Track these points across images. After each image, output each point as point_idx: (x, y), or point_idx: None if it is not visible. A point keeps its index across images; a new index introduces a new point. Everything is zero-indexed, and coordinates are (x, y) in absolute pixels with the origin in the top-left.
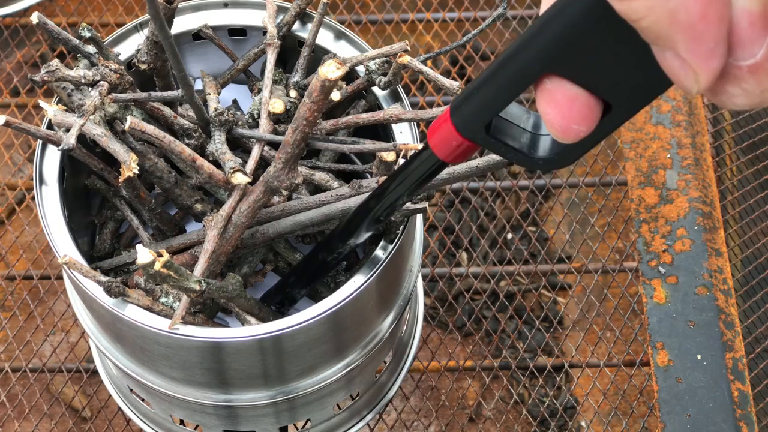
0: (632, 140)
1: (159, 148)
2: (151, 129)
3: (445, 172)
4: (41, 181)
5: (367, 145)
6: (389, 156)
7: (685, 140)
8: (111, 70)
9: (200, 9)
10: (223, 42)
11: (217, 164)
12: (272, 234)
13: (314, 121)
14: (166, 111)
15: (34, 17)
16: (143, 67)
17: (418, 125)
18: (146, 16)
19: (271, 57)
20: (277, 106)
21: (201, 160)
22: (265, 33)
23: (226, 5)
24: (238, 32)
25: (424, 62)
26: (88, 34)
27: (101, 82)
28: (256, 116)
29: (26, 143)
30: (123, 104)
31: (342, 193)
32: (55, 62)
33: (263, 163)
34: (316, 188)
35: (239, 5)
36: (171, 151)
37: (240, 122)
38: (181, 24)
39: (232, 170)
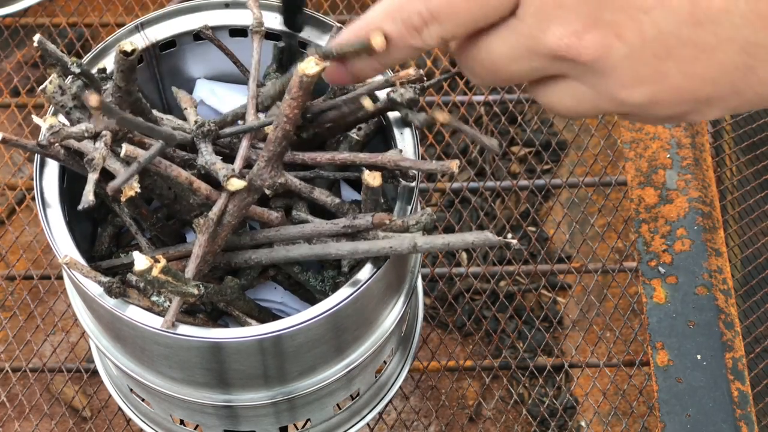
0: (632, 140)
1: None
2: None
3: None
4: (41, 183)
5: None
6: (375, 181)
7: (684, 140)
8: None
9: (201, 9)
10: (225, 42)
11: (206, 178)
12: (265, 262)
13: (296, 119)
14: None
15: (36, 40)
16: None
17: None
18: (146, 17)
19: (256, 46)
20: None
21: (198, 183)
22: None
23: (227, 5)
24: (238, 33)
25: (442, 81)
26: (77, 70)
27: (103, 132)
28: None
29: None
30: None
31: (336, 230)
32: (57, 123)
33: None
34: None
35: (240, 6)
36: (167, 176)
37: (223, 128)
38: (182, 24)
39: (226, 177)
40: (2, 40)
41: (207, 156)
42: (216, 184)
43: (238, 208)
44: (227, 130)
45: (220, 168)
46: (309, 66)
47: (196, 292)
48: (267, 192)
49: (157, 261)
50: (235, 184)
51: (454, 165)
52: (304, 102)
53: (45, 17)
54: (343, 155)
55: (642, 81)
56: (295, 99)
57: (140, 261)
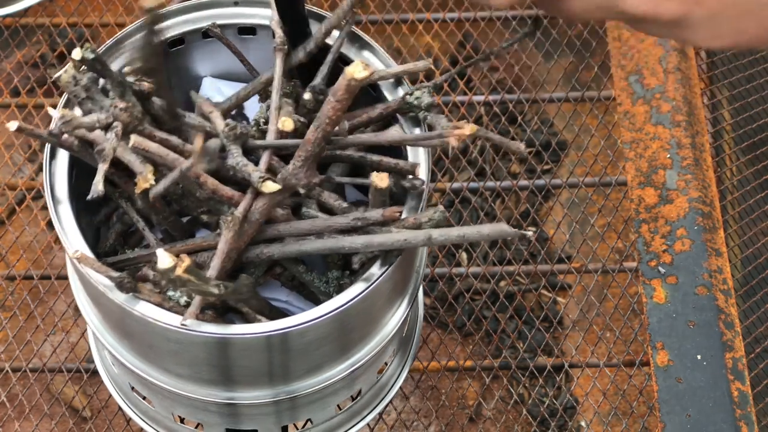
0: (632, 140)
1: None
2: (154, 147)
3: None
4: (51, 179)
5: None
6: (382, 182)
7: (684, 140)
8: (121, 109)
9: (210, 6)
10: (233, 40)
11: (224, 180)
12: (277, 256)
13: (337, 121)
14: (174, 140)
15: (84, 49)
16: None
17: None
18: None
19: (279, 62)
20: (288, 124)
21: (205, 176)
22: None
23: (236, 3)
24: (247, 30)
25: (449, 78)
26: (91, 56)
27: (115, 123)
28: (262, 124)
29: (26, 143)
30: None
31: (346, 223)
32: (69, 113)
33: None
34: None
35: (250, 3)
36: (174, 168)
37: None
38: (191, 21)
39: (261, 179)
40: (2, 40)
41: (238, 158)
42: (229, 182)
43: (267, 206)
44: (256, 142)
45: (252, 170)
46: (357, 70)
47: (216, 291)
48: (301, 191)
49: (181, 260)
50: (270, 187)
51: (460, 135)
52: (347, 105)
53: (45, 17)
54: (350, 137)
55: (721, 37)
56: (339, 101)
57: (164, 259)
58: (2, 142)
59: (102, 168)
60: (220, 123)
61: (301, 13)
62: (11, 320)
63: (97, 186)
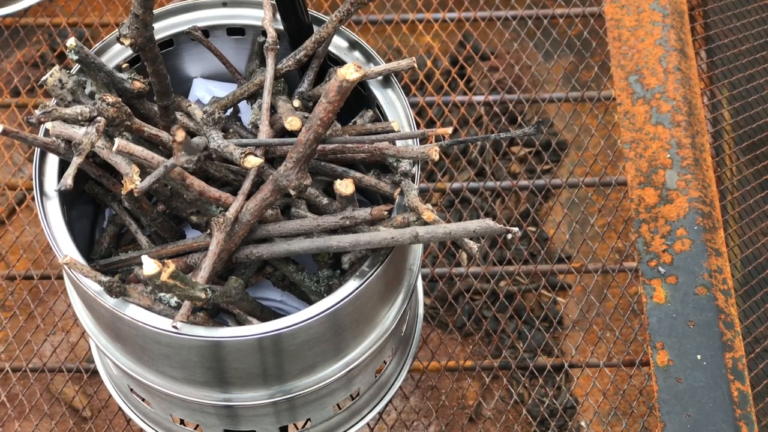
0: (632, 140)
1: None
2: (138, 150)
3: None
4: (41, 184)
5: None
6: (347, 189)
7: (684, 140)
8: (108, 104)
9: (199, 8)
10: (223, 41)
11: (207, 179)
12: (266, 256)
13: (329, 122)
14: (165, 137)
15: (71, 41)
16: (126, 43)
17: (418, 124)
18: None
19: (271, 62)
20: (295, 123)
21: (191, 179)
22: (264, 33)
23: (224, 4)
24: (236, 31)
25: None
26: (75, 57)
27: (98, 118)
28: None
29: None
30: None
31: (335, 222)
32: (51, 102)
33: (259, 180)
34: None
35: (238, 4)
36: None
37: (229, 121)
38: (180, 23)
39: (243, 155)
40: (2, 40)
41: (219, 140)
42: (216, 182)
43: (258, 207)
44: (243, 141)
45: (233, 149)
46: (349, 72)
47: (203, 296)
48: (292, 193)
49: (165, 266)
50: (252, 161)
51: (433, 152)
52: (339, 106)
53: (45, 17)
54: (333, 145)
55: None
56: (331, 103)
57: (149, 265)
58: (2, 142)
59: (75, 161)
60: (198, 112)
61: (302, 14)
62: (11, 320)
63: (67, 179)
